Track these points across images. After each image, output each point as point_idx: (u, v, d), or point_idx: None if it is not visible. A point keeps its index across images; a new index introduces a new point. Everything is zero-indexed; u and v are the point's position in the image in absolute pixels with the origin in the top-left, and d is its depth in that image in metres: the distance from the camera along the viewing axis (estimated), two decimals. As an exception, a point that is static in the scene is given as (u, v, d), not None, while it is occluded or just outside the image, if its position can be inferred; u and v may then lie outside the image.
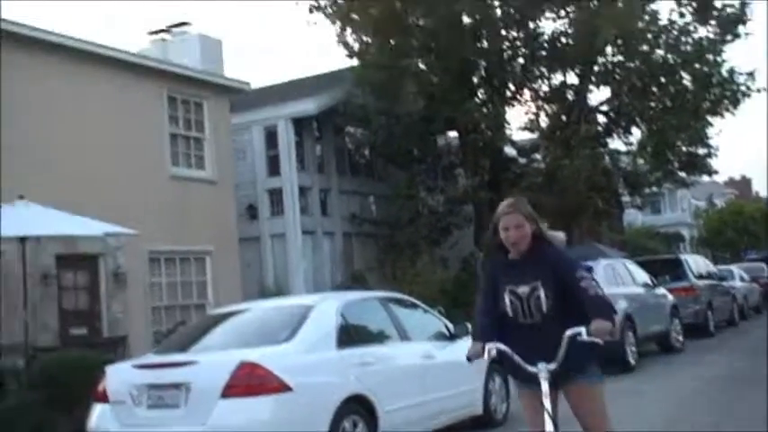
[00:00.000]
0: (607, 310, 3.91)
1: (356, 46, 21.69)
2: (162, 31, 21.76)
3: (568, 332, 3.85)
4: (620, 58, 22.16)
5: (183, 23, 21.66)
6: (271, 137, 21.16)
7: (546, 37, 22.29)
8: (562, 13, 21.75)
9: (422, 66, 21.64)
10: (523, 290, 4.10)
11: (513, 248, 4.16)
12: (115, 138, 15.54)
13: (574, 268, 4.08)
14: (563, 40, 22.02)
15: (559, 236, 4.42)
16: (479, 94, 22.47)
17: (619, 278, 14.21)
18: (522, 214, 4.16)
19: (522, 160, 24.52)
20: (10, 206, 11.14)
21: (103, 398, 6.63)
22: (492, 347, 4.03)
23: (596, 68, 22.68)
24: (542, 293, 4.05)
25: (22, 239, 11.43)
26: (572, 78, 23.27)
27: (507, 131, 22.11)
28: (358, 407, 6.76)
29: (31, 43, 14.30)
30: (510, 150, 24.41)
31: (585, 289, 3.95)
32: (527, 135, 24.80)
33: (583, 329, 3.82)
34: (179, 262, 17.01)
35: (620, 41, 20.73)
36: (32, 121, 14.10)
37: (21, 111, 13.92)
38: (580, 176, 20.84)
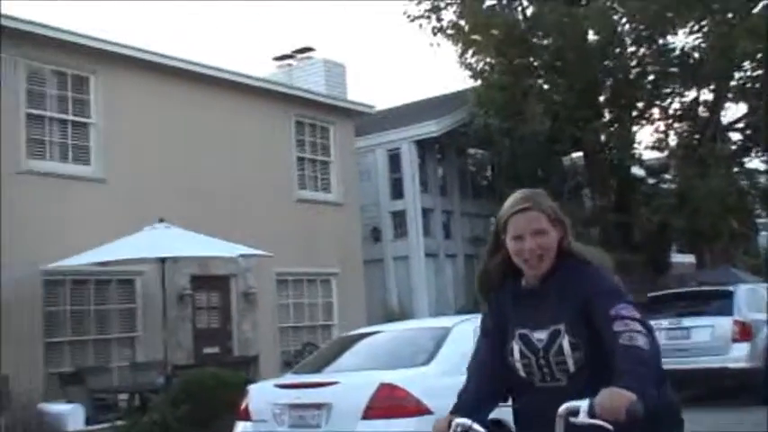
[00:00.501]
0: (638, 373, 2.25)
1: (478, 67, 21.58)
2: (287, 56, 22.37)
3: (562, 408, 2.33)
4: (759, 72, 21.16)
5: (308, 48, 22.19)
6: (394, 159, 21.31)
7: (677, 53, 21.55)
8: (695, 27, 20.97)
9: (545, 85, 21.33)
10: (540, 336, 2.60)
11: (529, 269, 2.65)
12: (246, 162, 15.98)
13: (610, 301, 2.45)
14: (696, 55, 21.23)
15: (599, 254, 2.72)
16: (605, 113, 21.93)
17: (762, 304, 13.46)
18: (544, 213, 2.61)
19: (651, 180, 23.72)
20: (151, 228, 11.59)
21: (246, 416, 6.71)
22: (460, 424, 2.60)
23: (732, 83, 21.76)
24: (566, 342, 2.53)
25: (162, 260, 11.85)
26: (705, 95, 22.42)
27: (635, 151, 21.46)
28: (496, 431, 6.59)
29: (172, 73, 14.91)
30: (638, 170, 23.68)
31: (617, 334, 2.35)
32: (655, 154, 24.06)
33: (583, 404, 2.26)
34: (306, 283, 17.28)
35: (758, 55, 19.78)
36: (172, 148, 14.67)
37: (162, 138, 14.52)
38: (715, 197, 19.96)
